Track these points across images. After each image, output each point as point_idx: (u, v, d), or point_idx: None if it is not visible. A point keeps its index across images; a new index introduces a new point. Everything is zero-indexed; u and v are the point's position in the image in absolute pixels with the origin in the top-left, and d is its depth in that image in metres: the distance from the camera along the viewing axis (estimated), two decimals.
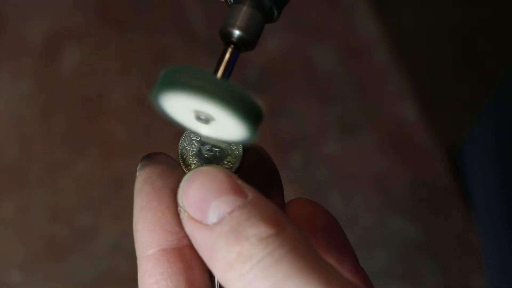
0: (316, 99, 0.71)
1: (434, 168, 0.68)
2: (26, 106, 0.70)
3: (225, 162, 0.28)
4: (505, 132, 0.63)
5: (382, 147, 0.69)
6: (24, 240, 0.65)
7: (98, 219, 0.66)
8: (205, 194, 0.25)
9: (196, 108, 0.25)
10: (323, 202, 0.30)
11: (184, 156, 0.28)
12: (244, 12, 0.28)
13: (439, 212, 0.67)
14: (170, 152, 0.28)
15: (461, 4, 1.07)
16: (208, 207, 0.24)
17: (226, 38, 0.28)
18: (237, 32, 0.27)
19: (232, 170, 0.27)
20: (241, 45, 0.27)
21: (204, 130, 0.26)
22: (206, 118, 0.25)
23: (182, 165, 0.28)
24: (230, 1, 0.28)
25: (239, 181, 0.25)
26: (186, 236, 0.26)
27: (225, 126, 0.25)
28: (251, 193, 0.25)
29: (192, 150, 0.28)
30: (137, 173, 0.27)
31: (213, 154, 0.28)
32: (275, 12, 0.28)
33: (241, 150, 0.28)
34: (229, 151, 0.28)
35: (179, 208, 0.26)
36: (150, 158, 0.27)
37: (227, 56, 0.27)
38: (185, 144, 0.28)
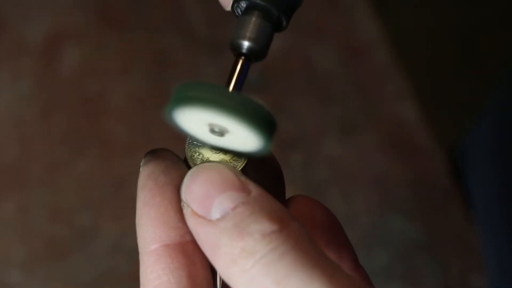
0: (316, 99, 0.71)
1: (434, 168, 0.68)
2: (26, 106, 0.70)
3: (231, 160, 0.28)
4: (505, 132, 0.63)
5: (382, 147, 0.69)
6: (24, 240, 0.65)
7: (98, 219, 0.66)
8: (208, 189, 0.25)
9: (210, 121, 0.25)
10: (323, 202, 0.30)
11: (191, 149, 0.28)
12: (253, 23, 0.28)
13: (439, 212, 0.67)
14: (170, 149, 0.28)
15: (461, 4, 1.07)
16: (211, 203, 0.25)
17: (237, 50, 0.28)
18: (247, 44, 0.27)
19: (238, 167, 0.27)
20: (252, 56, 0.28)
21: (220, 142, 0.26)
22: (221, 131, 0.26)
23: (187, 158, 0.28)
24: (238, 12, 0.28)
25: (243, 178, 0.25)
26: (188, 232, 0.26)
27: (240, 138, 0.25)
28: (254, 189, 0.25)
29: (200, 144, 0.28)
30: (141, 169, 0.27)
31: (220, 150, 0.28)
32: (284, 21, 0.28)
33: None
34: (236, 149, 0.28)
35: (182, 204, 0.26)
36: (153, 154, 0.27)
37: (238, 68, 0.27)
38: (192, 140, 0.28)
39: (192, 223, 0.25)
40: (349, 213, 0.66)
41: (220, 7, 0.29)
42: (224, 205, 0.24)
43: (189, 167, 0.27)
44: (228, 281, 0.24)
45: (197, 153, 0.28)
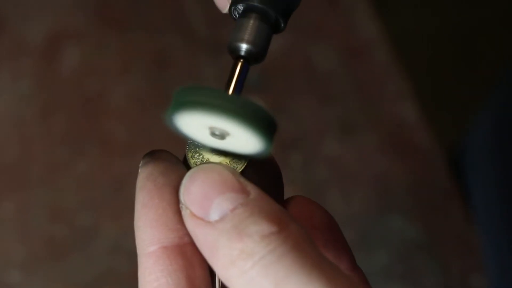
0: (316, 99, 0.71)
1: (434, 168, 0.68)
2: (26, 106, 0.70)
3: (232, 162, 0.28)
4: (505, 132, 0.63)
5: (382, 147, 0.69)
6: (24, 240, 0.65)
7: (98, 219, 0.66)
8: (207, 191, 0.25)
9: (210, 125, 0.25)
10: (323, 202, 0.30)
11: (191, 149, 0.28)
12: (251, 25, 0.28)
13: (439, 212, 0.67)
14: (171, 151, 0.28)
15: (461, 4, 1.07)
16: (210, 204, 0.25)
17: (235, 53, 0.28)
18: (245, 46, 0.28)
19: (238, 169, 0.28)
20: (251, 59, 0.28)
21: (221, 145, 0.27)
22: (221, 134, 0.26)
23: (187, 158, 0.28)
24: (235, 15, 0.28)
25: (241, 179, 0.25)
26: (187, 234, 0.26)
27: (241, 140, 0.25)
28: (253, 191, 0.25)
29: (200, 147, 0.28)
30: (139, 170, 0.27)
31: (221, 152, 0.28)
32: (282, 23, 0.28)
33: None
34: (237, 152, 0.28)
35: (180, 205, 0.26)
36: (152, 155, 0.27)
37: (238, 70, 0.28)
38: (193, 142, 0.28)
39: (191, 224, 0.25)
40: (349, 213, 0.66)
41: None
42: (222, 207, 0.24)
43: (188, 168, 0.27)
44: (227, 282, 0.24)
45: (198, 154, 0.28)
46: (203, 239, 0.25)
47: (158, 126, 0.68)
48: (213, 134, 0.26)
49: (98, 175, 0.67)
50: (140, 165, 0.27)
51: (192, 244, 0.26)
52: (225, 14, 0.29)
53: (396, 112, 0.70)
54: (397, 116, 0.70)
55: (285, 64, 0.71)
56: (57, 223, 0.66)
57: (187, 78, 0.70)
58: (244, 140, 0.25)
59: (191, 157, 0.28)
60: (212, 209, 0.24)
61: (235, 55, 0.28)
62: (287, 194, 0.30)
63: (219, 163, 0.27)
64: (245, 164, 0.28)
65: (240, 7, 0.28)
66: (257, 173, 0.28)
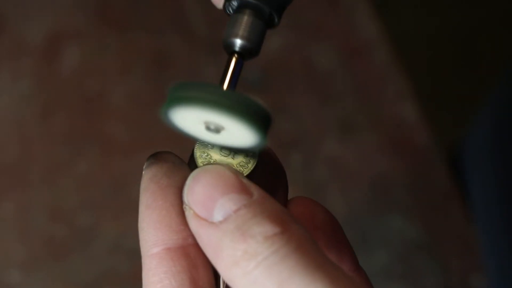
0: (316, 99, 0.71)
1: (434, 168, 0.68)
2: (26, 106, 0.70)
3: (238, 165, 0.28)
4: (505, 132, 0.63)
5: (382, 147, 0.69)
6: (24, 240, 0.65)
7: (98, 219, 0.66)
8: (211, 192, 0.25)
9: (206, 119, 0.25)
10: (323, 202, 0.30)
11: (200, 150, 0.28)
12: (245, 21, 0.28)
13: (439, 212, 0.67)
14: (171, 151, 0.28)
15: (461, 4, 1.07)
16: (213, 205, 0.25)
17: (229, 49, 0.28)
18: (239, 42, 0.28)
19: (244, 173, 0.28)
20: (245, 54, 0.28)
21: (216, 139, 0.27)
22: (216, 128, 0.26)
23: (194, 158, 0.28)
24: (229, 11, 0.29)
25: (245, 180, 0.25)
26: (191, 235, 0.26)
27: (236, 134, 0.26)
28: (256, 192, 0.25)
29: (209, 146, 0.28)
30: (143, 172, 0.27)
31: (229, 154, 0.28)
32: (276, 18, 0.29)
33: (256, 155, 0.28)
34: (244, 154, 0.28)
35: (184, 206, 0.26)
36: (156, 156, 0.28)
37: (232, 66, 0.28)
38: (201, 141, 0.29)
39: (194, 225, 0.25)
40: (349, 213, 0.66)
41: None
42: (226, 208, 0.25)
43: (195, 168, 0.27)
44: (230, 283, 0.24)
45: (206, 154, 0.28)
46: (206, 239, 0.25)
47: (158, 126, 0.68)
48: (208, 128, 0.26)
49: (98, 175, 0.67)
50: (144, 166, 0.27)
51: (196, 245, 0.26)
52: (224, 14, 0.29)
53: (396, 112, 0.70)
54: (397, 116, 0.70)
55: (285, 64, 0.71)
56: (57, 223, 0.66)
57: (187, 78, 0.70)
58: (239, 134, 0.25)
59: (199, 156, 0.28)
60: (215, 210, 0.25)
61: (230, 51, 0.28)
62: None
63: (223, 164, 0.27)
64: (253, 168, 0.28)
65: (235, 3, 0.28)
66: (264, 176, 0.28)
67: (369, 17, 0.73)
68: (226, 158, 0.28)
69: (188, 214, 0.25)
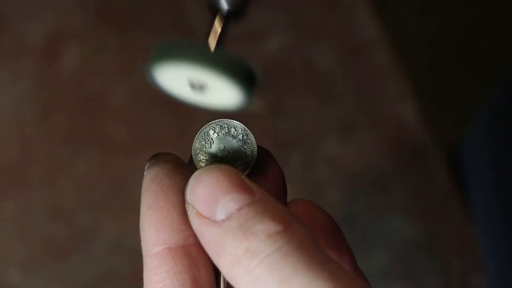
0: (316, 99, 0.71)
1: (434, 168, 0.68)
2: (26, 106, 0.70)
3: (237, 165, 0.28)
4: (505, 132, 0.63)
5: (382, 147, 0.69)
6: (24, 240, 0.65)
7: (98, 219, 0.66)
8: (213, 191, 0.25)
9: (190, 77, 0.25)
10: (323, 202, 0.30)
11: (198, 151, 0.29)
12: None
13: (439, 212, 0.67)
14: (171, 151, 0.28)
15: (461, 4, 1.07)
16: (216, 204, 0.25)
17: (214, 8, 0.28)
18: (223, 1, 0.28)
19: (244, 173, 0.28)
20: (230, 14, 0.28)
21: (201, 99, 0.27)
22: (200, 86, 0.26)
23: (194, 160, 0.28)
24: None
25: (247, 180, 0.26)
26: (192, 235, 0.26)
27: (220, 92, 0.25)
28: (258, 191, 0.25)
29: (207, 147, 0.29)
30: (145, 172, 0.27)
31: (227, 155, 0.28)
32: None
33: (255, 156, 0.28)
34: (243, 156, 0.28)
35: (186, 205, 0.26)
36: (157, 157, 0.28)
37: (216, 25, 0.28)
38: (200, 139, 0.29)
39: (197, 224, 0.25)
40: (349, 213, 0.66)
41: None
42: (228, 206, 0.25)
43: (193, 170, 0.27)
44: (232, 281, 0.24)
45: (204, 156, 0.28)
46: (208, 238, 0.25)
47: (159, 126, 0.68)
48: (193, 87, 0.26)
49: (98, 175, 0.67)
50: (145, 167, 0.28)
51: (197, 245, 0.26)
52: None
53: (396, 112, 0.70)
54: (397, 116, 0.70)
55: (285, 64, 0.71)
56: (57, 223, 0.66)
57: None
58: (222, 91, 0.25)
59: (198, 158, 0.28)
60: (218, 209, 0.25)
61: (214, 10, 0.28)
62: (287, 194, 0.30)
63: (226, 165, 0.27)
64: (251, 169, 0.28)
65: None
66: (261, 178, 0.28)
67: (369, 17, 0.73)
68: (224, 159, 0.28)
69: (191, 213, 0.26)
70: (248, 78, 0.25)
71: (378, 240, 0.66)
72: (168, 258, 0.26)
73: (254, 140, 0.29)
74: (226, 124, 0.29)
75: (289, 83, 0.71)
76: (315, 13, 0.74)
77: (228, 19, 0.28)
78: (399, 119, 0.70)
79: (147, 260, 0.26)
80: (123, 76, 0.71)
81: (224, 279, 0.27)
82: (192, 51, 0.24)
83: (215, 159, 0.28)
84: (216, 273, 0.27)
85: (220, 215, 0.25)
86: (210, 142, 0.29)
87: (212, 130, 0.29)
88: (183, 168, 0.28)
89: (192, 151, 0.29)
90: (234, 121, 0.29)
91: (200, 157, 0.28)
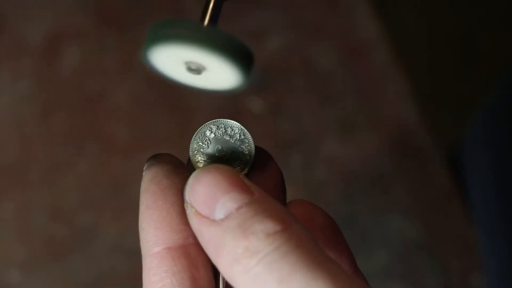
0: (316, 99, 0.71)
1: (434, 168, 0.68)
2: (26, 106, 0.70)
3: (235, 165, 0.28)
4: (505, 132, 0.63)
5: (382, 147, 0.69)
6: (24, 240, 0.65)
7: (98, 219, 0.66)
8: (212, 191, 0.25)
9: (186, 58, 0.25)
10: (323, 202, 0.30)
11: (195, 152, 0.28)
12: None
13: (439, 212, 0.67)
14: (171, 153, 0.28)
15: (460, 4, 1.07)
16: (215, 203, 0.25)
17: None
18: None
19: (242, 172, 0.28)
20: None
21: (198, 82, 0.26)
22: (197, 68, 0.25)
23: (191, 160, 0.28)
24: None
25: (246, 180, 0.26)
26: (191, 235, 0.26)
27: (217, 74, 0.25)
28: (257, 191, 0.25)
29: (204, 147, 0.28)
30: (143, 173, 0.27)
31: (224, 155, 0.28)
32: None
33: (253, 155, 0.28)
34: (240, 155, 0.28)
35: (185, 205, 0.26)
36: (156, 158, 0.28)
37: (211, 3, 0.27)
38: (198, 140, 0.29)
39: (196, 223, 0.25)
40: (349, 213, 0.66)
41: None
42: (227, 206, 0.25)
43: (192, 171, 0.27)
44: (231, 280, 0.24)
45: (201, 157, 0.28)
46: (207, 237, 0.25)
47: (159, 126, 0.68)
48: (189, 69, 0.26)
49: (98, 175, 0.67)
50: (144, 168, 0.28)
51: (196, 245, 0.26)
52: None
53: (396, 112, 0.70)
54: (397, 116, 0.70)
55: (285, 64, 0.71)
56: (57, 223, 0.66)
57: None
58: (220, 72, 0.25)
59: (195, 159, 0.28)
60: (217, 208, 0.25)
61: None
62: (287, 194, 0.30)
63: (225, 165, 0.27)
64: (249, 169, 0.28)
65: None
66: (259, 177, 0.28)
67: (369, 17, 0.73)
68: (222, 159, 0.28)
69: (190, 213, 0.26)
70: (246, 58, 0.24)
71: (378, 240, 0.66)
72: (167, 258, 0.26)
73: (251, 139, 0.28)
74: (223, 124, 0.28)
75: (289, 83, 0.71)
76: (315, 13, 0.74)
77: None
78: (399, 119, 0.70)
79: (147, 260, 0.27)
80: (123, 76, 0.71)
81: (223, 279, 0.27)
82: (188, 30, 0.24)
83: (213, 160, 0.28)
84: (215, 273, 0.27)
85: (219, 214, 0.25)
86: (207, 143, 0.29)
87: (209, 130, 0.28)
88: (182, 169, 0.28)
89: (190, 152, 0.28)
90: (231, 120, 0.28)
91: (198, 158, 0.28)
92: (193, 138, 0.29)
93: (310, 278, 0.23)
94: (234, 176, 0.25)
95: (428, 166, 0.68)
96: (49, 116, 0.70)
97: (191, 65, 0.25)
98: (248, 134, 0.28)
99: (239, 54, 0.24)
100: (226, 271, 0.24)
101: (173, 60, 0.25)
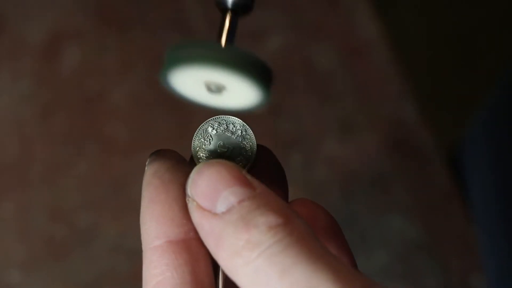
0: (316, 99, 0.71)
1: (434, 168, 0.68)
2: (26, 106, 0.70)
3: (237, 161, 0.28)
4: (505, 132, 0.63)
5: (382, 147, 0.69)
6: (24, 240, 0.65)
7: (98, 219, 0.66)
8: (214, 184, 0.25)
9: (206, 79, 0.25)
10: (323, 202, 0.30)
11: (197, 148, 0.29)
12: None
13: (439, 212, 0.67)
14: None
15: (460, 4, 1.07)
16: (217, 197, 0.25)
17: (221, 5, 0.28)
18: None
19: (244, 168, 0.28)
20: (238, 9, 0.27)
21: (218, 102, 0.26)
22: (218, 88, 0.25)
23: (193, 157, 0.28)
24: None
25: (248, 176, 0.26)
26: (193, 229, 0.26)
27: (238, 92, 0.25)
28: (259, 186, 0.25)
29: (206, 144, 0.29)
30: (146, 168, 0.28)
31: (226, 151, 0.28)
32: None
33: (254, 151, 0.28)
34: (242, 151, 0.28)
35: (187, 198, 0.26)
36: (158, 153, 0.28)
37: (227, 23, 0.27)
38: (199, 136, 0.29)
39: (197, 216, 0.25)
40: (349, 213, 0.66)
41: None
42: (229, 199, 0.25)
43: (194, 166, 0.27)
44: (231, 274, 0.24)
45: (203, 153, 0.28)
46: (209, 230, 0.25)
47: (159, 126, 0.68)
48: (209, 89, 0.26)
49: (98, 175, 0.67)
50: (146, 162, 0.28)
51: (197, 239, 0.26)
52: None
53: (396, 112, 0.70)
54: (397, 116, 0.70)
55: (285, 64, 0.71)
56: (57, 223, 0.66)
57: None
58: (241, 91, 0.25)
59: (198, 154, 0.28)
60: (219, 202, 0.25)
61: (223, 7, 0.28)
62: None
63: (228, 161, 0.28)
64: (251, 166, 0.28)
65: None
66: (262, 174, 0.28)
67: (369, 17, 0.73)
68: (224, 155, 0.28)
69: (191, 206, 0.26)
70: (266, 76, 0.25)
71: (378, 240, 0.66)
72: (168, 252, 0.26)
73: (253, 136, 0.29)
74: (225, 120, 0.29)
75: (289, 83, 0.71)
76: (315, 13, 0.74)
77: (237, 14, 0.27)
78: (399, 119, 0.70)
79: (148, 253, 0.27)
80: (123, 76, 0.71)
81: (223, 273, 0.27)
82: (208, 51, 0.24)
83: (215, 156, 0.28)
84: (215, 267, 0.27)
85: (221, 207, 0.25)
86: (209, 139, 0.29)
87: (211, 127, 0.29)
88: (184, 164, 0.28)
89: (192, 149, 0.29)
90: (232, 117, 0.29)
91: (200, 155, 0.28)
92: (195, 135, 0.29)
93: (311, 271, 0.23)
94: (236, 170, 0.26)
95: (428, 166, 0.68)
96: (49, 116, 0.70)
97: (211, 85, 0.25)
98: (250, 130, 0.28)
99: (259, 72, 0.24)
100: (227, 264, 0.25)
101: (193, 82, 0.25)
